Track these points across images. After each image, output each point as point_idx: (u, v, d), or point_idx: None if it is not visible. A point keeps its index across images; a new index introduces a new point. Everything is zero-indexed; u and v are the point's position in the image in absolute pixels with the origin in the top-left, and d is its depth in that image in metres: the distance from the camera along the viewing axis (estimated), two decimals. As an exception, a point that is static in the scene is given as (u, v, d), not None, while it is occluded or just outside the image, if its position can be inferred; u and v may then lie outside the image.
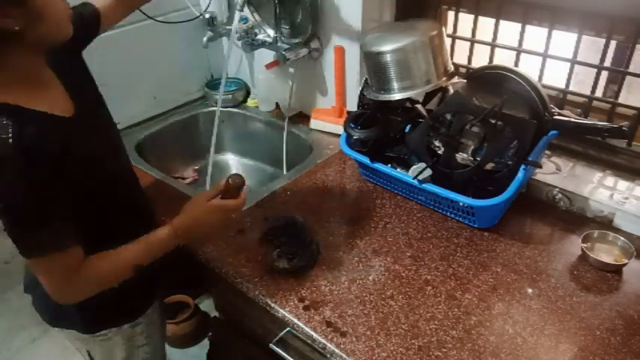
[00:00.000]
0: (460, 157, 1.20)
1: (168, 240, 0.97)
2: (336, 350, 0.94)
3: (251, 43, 1.65)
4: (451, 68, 1.32)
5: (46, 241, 0.83)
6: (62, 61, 0.93)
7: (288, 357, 1.11)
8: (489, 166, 1.17)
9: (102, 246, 0.93)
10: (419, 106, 1.31)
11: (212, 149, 1.49)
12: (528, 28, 1.34)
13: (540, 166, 1.23)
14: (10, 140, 0.76)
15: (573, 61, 1.30)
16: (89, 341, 1.13)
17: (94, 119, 0.99)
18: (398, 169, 1.30)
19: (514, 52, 1.38)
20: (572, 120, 1.22)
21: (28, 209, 0.80)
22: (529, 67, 1.32)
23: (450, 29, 1.48)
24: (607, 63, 1.26)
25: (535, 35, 1.33)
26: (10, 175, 0.77)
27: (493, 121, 1.16)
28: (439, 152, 1.23)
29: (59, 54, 0.89)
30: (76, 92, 0.94)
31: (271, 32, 1.62)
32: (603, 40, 1.23)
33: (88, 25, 1.05)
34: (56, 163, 0.82)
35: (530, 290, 1.06)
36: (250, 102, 1.85)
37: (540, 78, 1.35)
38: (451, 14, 1.48)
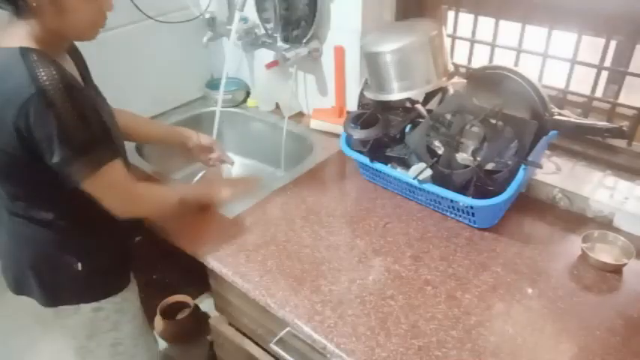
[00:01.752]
0: (460, 157, 1.20)
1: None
2: (336, 350, 0.94)
3: (251, 43, 1.65)
4: (451, 68, 1.32)
5: (104, 153, 0.97)
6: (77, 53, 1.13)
7: (288, 357, 1.11)
8: (489, 166, 1.17)
9: None
10: (419, 106, 1.31)
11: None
12: (528, 28, 1.34)
13: (540, 166, 1.23)
14: (57, 76, 0.90)
15: (573, 61, 1.30)
16: (53, 316, 1.17)
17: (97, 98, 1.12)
18: (398, 169, 1.30)
19: (514, 52, 1.38)
20: (572, 120, 1.22)
21: (86, 127, 0.93)
22: (529, 67, 1.32)
23: (450, 29, 1.48)
24: (607, 63, 1.26)
25: (535, 35, 1.33)
26: (65, 102, 0.90)
27: (493, 121, 1.16)
28: (439, 152, 1.23)
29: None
30: (84, 75, 1.11)
31: (271, 32, 1.62)
32: (603, 40, 1.23)
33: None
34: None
35: (530, 290, 1.06)
36: (250, 102, 1.85)
37: (540, 78, 1.35)
38: (451, 14, 1.48)
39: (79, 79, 1.05)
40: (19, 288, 1.17)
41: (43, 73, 0.88)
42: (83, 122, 0.93)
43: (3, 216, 1.10)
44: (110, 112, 1.13)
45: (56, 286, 1.12)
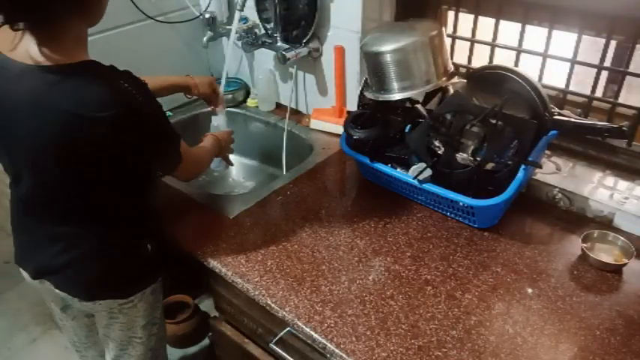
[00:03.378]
0: (460, 157, 1.20)
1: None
2: (336, 350, 0.94)
3: (251, 43, 1.65)
4: (451, 68, 1.32)
5: (178, 134, 1.06)
6: None
7: (288, 357, 1.11)
8: (489, 166, 1.17)
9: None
10: (419, 106, 1.31)
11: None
12: (528, 28, 1.34)
13: (540, 166, 1.23)
14: (134, 81, 0.94)
15: (573, 61, 1.30)
16: (116, 312, 1.14)
17: None
18: (398, 169, 1.30)
19: (514, 52, 1.38)
20: (572, 120, 1.22)
21: (166, 118, 1.02)
22: (529, 67, 1.32)
23: (450, 29, 1.48)
24: (607, 63, 1.26)
25: (535, 35, 1.33)
26: (152, 98, 0.96)
27: (493, 121, 1.16)
28: (439, 152, 1.23)
29: None
30: None
31: (271, 32, 1.62)
32: (603, 40, 1.23)
33: None
34: None
35: (530, 290, 1.06)
36: (250, 102, 1.85)
37: (540, 78, 1.35)
38: (451, 14, 1.48)
39: None
40: (94, 291, 1.12)
41: (124, 84, 0.90)
42: (163, 114, 0.99)
43: (54, 229, 1.07)
44: None
45: (133, 272, 1.13)
